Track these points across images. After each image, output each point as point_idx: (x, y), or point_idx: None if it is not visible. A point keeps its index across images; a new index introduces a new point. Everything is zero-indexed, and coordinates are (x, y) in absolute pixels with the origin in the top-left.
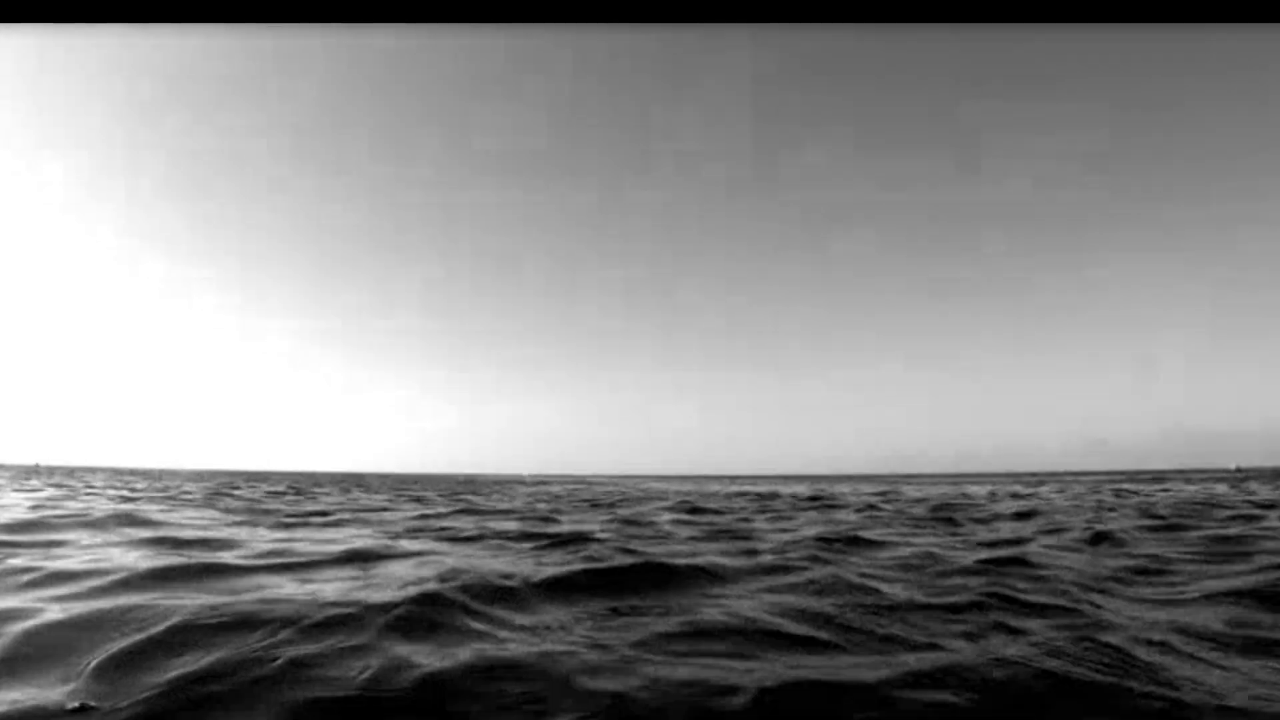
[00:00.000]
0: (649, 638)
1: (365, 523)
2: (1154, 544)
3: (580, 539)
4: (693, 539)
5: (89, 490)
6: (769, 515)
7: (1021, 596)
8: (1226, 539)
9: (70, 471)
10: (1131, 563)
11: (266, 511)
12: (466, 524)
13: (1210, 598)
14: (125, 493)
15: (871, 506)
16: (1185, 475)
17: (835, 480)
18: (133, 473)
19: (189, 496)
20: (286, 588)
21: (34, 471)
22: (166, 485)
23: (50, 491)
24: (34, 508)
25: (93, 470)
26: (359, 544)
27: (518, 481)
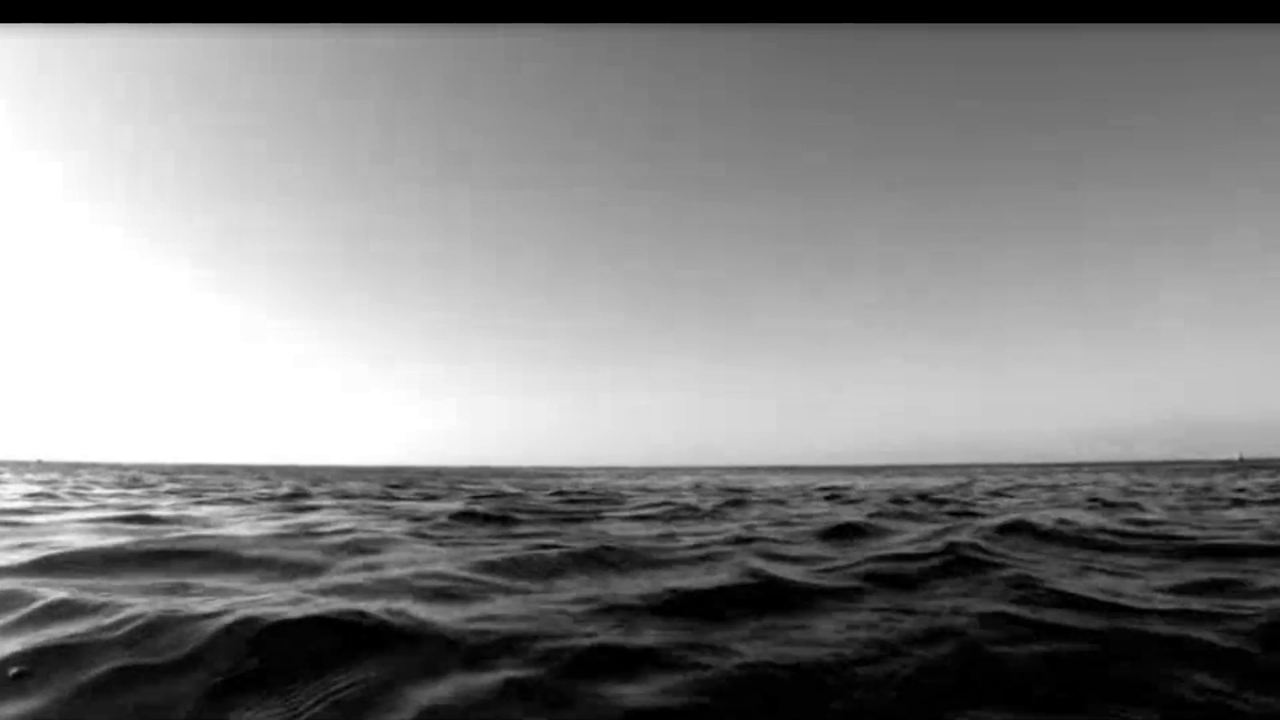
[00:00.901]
0: None
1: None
2: None
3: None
4: None
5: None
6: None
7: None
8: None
9: (71, 467)
10: None
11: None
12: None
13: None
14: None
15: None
16: (1189, 466)
17: (831, 471)
18: (141, 468)
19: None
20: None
21: (34, 467)
22: (139, 480)
23: (24, 487)
24: None
25: (94, 466)
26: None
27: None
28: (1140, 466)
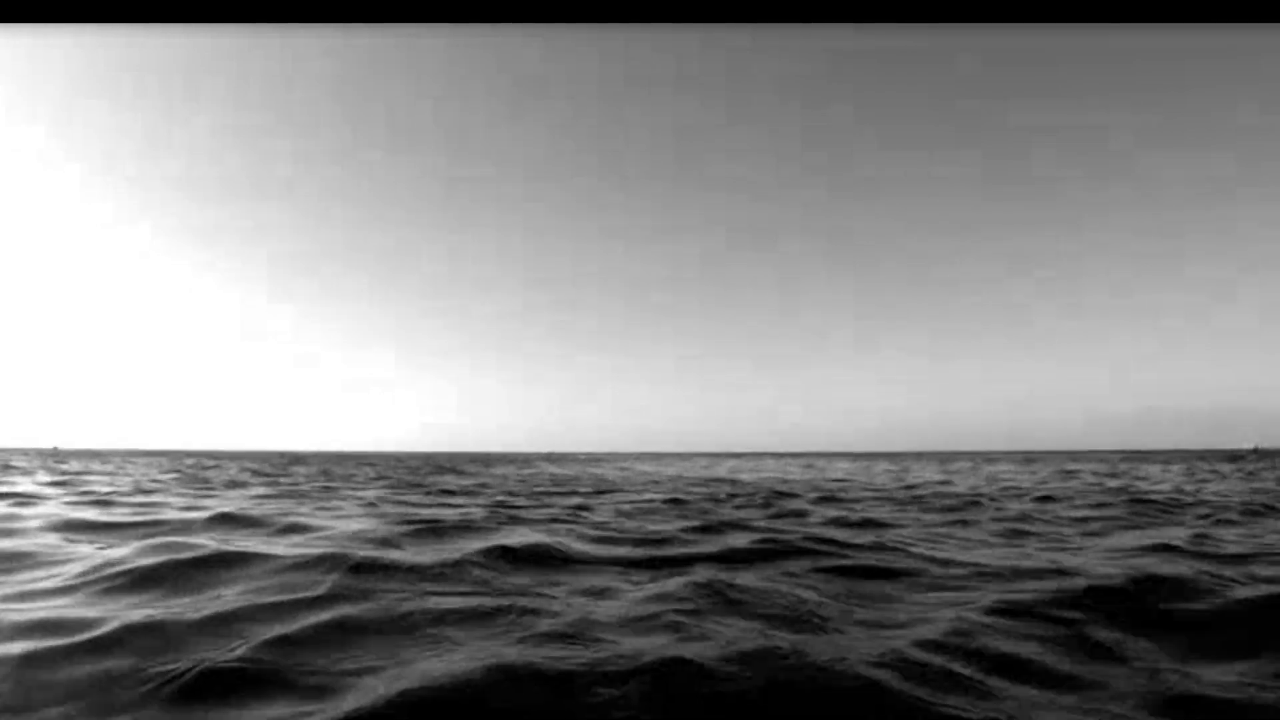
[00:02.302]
0: None
1: None
2: None
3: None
4: None
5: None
6: None
7: None
8: None
9: (89, 455)
10: None
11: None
12: None
13: None
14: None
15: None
16: (1184, 455)
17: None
18: (151, 455)
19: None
20: None
21: (50, 455)
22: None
23: None
24: None
25: (112, 453)
26: None
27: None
28: (1125, 455)
